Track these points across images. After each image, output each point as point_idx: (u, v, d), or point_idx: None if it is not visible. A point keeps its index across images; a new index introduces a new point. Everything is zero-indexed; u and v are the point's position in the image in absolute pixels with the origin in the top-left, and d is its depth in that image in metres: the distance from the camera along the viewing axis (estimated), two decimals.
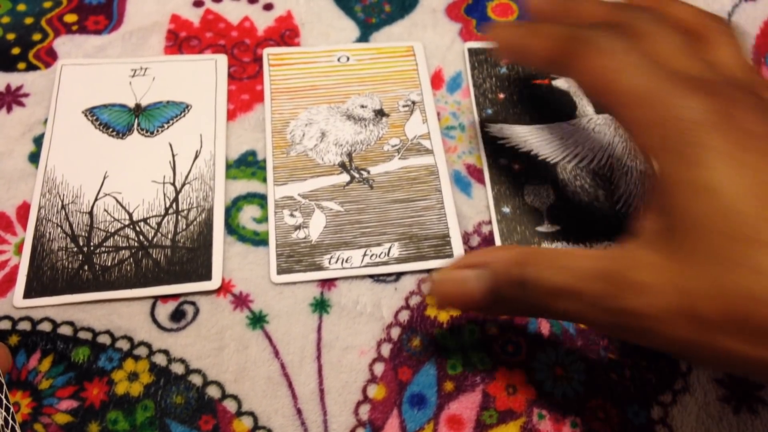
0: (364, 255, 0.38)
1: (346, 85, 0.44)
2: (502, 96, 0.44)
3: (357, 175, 0.41)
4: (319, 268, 0.37)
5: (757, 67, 0.46)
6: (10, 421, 0.26)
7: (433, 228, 0.39)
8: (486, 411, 0.34)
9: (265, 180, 0.41)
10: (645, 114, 0.26)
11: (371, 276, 0.38)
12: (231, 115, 0.43)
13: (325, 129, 0.42)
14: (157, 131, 0.42)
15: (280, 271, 0.37)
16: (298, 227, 0.39)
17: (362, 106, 0.43)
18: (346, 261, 0.38)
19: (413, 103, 0.44)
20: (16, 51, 0.45)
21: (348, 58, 0.45)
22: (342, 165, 0.41)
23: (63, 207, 0.39)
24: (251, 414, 0.34)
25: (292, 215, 0.39)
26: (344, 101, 0.43)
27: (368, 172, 0.41)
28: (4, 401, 0.27)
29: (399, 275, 0.38)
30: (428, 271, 0.38)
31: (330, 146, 0.42)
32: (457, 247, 0.38)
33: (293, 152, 0.42)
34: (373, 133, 0.42)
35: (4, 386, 0.27)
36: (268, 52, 0.45)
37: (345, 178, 0.41)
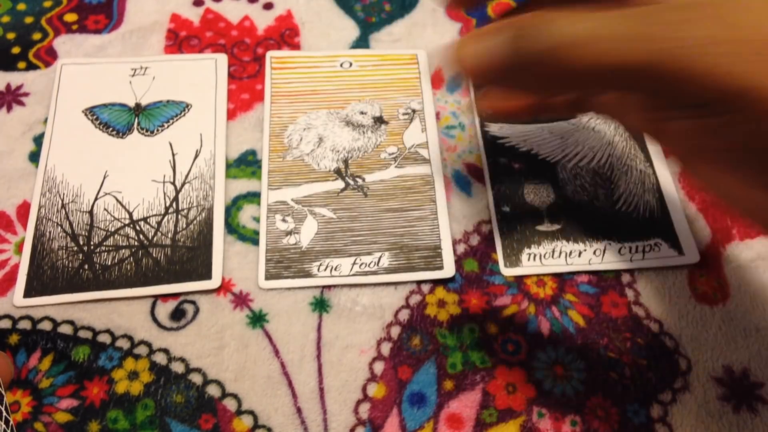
0: (354, 263, 0.38)
1: (347, 91, 0.44)
2: None
3: (352, 182, 0.41)
4: (308, 275, 0.37)
5: None
6: None
7: (424, 239, 0.39)
8: (486, 410, 0.34)
9: None
10: None
11: (360, 285, 0.38)
12: (231, 115, 0.43)
13: (323, 134, 0.42)
14: (157, 130, 0.42)
15: (269, 276, 0.37)
16: (289, 233, 0.39)
17: (362, 113, 0.43)
18: (335, 269, 0.37)
19: (413, 111, 0.43)
20: (16, 50, 0.45)
21: (351, 64, 0.45)
22: (337, 171, 0.41)
23: (63, 206, 0.39)
24: (251, 413, 0.34)
25: (284, 220, 0.39)
26: (344, 107, 0.43)
27: (363, 180, 0.41)
28: (4, 413, 0.27)
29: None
30: (417, 282, 0.38)
31: (327, 152, 0.41)
32: (448, 260, 0.38)
33: (289, 157, 0.41)
34: (370, 140, 0.42)
35: (5, 397, 0.27)
36: (270, 56, 0.45)
37: (340, 184, 0.41)
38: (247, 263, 0.38)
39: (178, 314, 0.36)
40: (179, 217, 0.39)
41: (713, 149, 0.26)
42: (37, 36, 0.46)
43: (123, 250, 0.38)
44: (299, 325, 0.36)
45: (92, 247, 0.38)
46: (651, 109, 0.28)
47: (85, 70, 0.44)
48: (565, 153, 0.42)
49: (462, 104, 0.44)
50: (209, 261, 0.38)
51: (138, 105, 0.43)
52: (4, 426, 0.26)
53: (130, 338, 0.35)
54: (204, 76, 0.45)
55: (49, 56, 0.45)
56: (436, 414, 0.34)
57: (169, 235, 0.38)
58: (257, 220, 0.39)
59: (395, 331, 0.36)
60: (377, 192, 0.40)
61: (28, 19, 0.47)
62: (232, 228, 0.39)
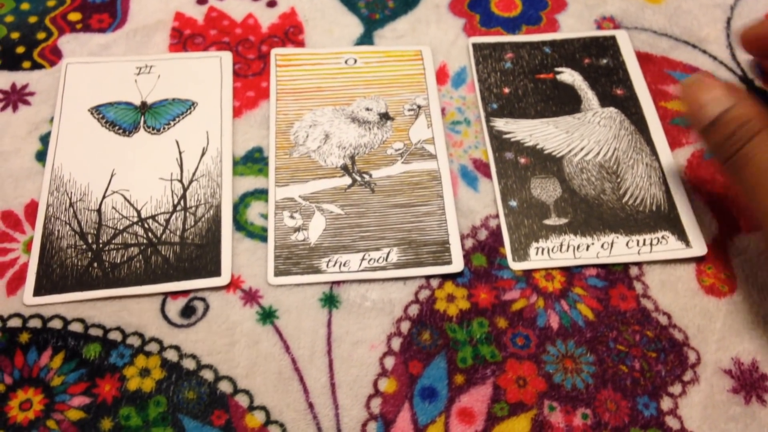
0: (363, 259, 0.38)
1: (352, 87, 0.44)
2: (506, 90, 0.44)
3: (359, 179, 0.41)
4: (317, 271, 0.37)
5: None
6: None
7: (433, 234, 0.39)
8: (497, 403, 0.34)
9: None
10: None
11: (369, 280, 0.38)
12: (237, 112, 0.43)
13: (329, 131, 0.42)
14: (164, 129, 0.42)
15: (278, 273, 0.37)
16: (297, 229, 0.39)
17: (367, 109, 0.43)
18: (344, 265, 0.37)
19: (419, 107, 0.43)
20: (20, 50, 0.45)
21: (355, 61, 0.45)
22: (344, 168, 0.41)
23: (71, 205, 0.39)
24: (263, 408, 0.34)
25: (291, 217, 0.39)
26: (349, 103, 0.43)
27: (370, 176, 0.41)
28: None
29: None
30: (426, 277, 0.38)
31: (333, 148, 0.42)
32: (457, 255, 0.38)
33: (296, 154, 0.41)
34: (377, 136, 0.42)
35: None
36: (275, 53, 0.45)
37: (347, 181, 0.41)
38: (256, 260, 0.38)
39: (188, 311, 0.36)
40: (187, 214, 0.39)
41: None
42: (41, 35, 0.46)
43: (132, 248, 0.38)
44: (309, 320, 0.36)
45: (101, 245, 0.38)
46: None
47: (90, 69, 0.44)
48: (571, 147, 0.42)
49: (467, 99, 0.44)
50: (218, 258, 0.38)
51: (144, 103, 0.43)
52: None
53: (140, 335, 0.35)
54: (209, 74, 0.45)
55: (54, 55, 0.45)
56: (448, 408, 0.34)
57: (178, 232, 0.38)
58: (265, 216, 0.39)
59: (405, 326, 0.36)
60: (384, 188, 0.40)
61: (32, 19, 0.47)
62: (240, 225, 0.39)
